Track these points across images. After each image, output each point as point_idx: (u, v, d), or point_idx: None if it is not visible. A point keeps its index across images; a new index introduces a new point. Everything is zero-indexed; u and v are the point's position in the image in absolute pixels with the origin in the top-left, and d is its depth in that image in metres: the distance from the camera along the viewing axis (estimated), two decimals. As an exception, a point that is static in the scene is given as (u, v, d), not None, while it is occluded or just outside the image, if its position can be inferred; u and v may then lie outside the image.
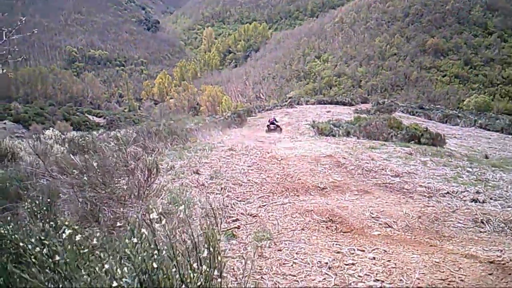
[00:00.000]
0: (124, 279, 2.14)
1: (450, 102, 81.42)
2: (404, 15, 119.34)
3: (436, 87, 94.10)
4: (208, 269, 2.42)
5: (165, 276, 2.22)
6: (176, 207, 6.04)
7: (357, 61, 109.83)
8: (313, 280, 4.08)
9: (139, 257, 2.20)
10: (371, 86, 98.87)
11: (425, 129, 17.93)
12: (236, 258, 4.57)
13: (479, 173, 10.21)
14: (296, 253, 4.81)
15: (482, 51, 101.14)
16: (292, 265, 4.47)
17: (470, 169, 10.71)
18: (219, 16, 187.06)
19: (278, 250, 4.92)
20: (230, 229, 5.66)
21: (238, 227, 5.78)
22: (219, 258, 2.67)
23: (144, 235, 2.34)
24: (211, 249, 2.56)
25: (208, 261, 2.50)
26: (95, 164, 5.34)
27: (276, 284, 3.99)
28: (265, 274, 4.21)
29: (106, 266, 2.17)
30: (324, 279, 4.10)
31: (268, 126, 21.42)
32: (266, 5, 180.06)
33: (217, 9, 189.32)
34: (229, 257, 4.55)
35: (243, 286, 3.64)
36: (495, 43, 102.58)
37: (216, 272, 2.54)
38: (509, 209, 6.94)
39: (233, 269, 4.22)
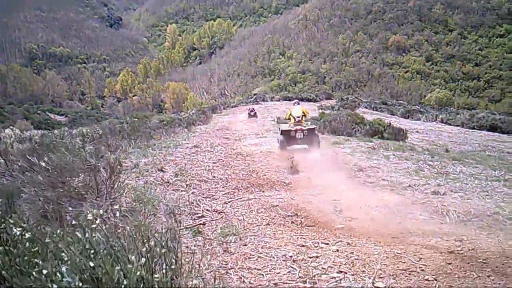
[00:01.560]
0: (65, 279, 2.12)
1: (412, 97, 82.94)
2: (366, 13, 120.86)
3: (399, 83, 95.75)
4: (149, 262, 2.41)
5: (104, 272, 2.20)
6: (141, 205, 5.99)
7: (321, 58, 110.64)
8: (278, 273, 4.11)
9: (77, 258, 2.20)
10: (335, 83, 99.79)
11: (388, 124, 18.22)
12: (202, 254, 4.57)
13: (440, 167, 10.47)
14: (261, 248, 4.84)
15: (443, 48, 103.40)
16: (257, 259, 4.49)
17: (432, 163, 10.97)
18: (183, 13, 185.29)
19: (243, 245, 4.94)
20: (196, 225, 5.64)
21: (204, 224, 5.76)
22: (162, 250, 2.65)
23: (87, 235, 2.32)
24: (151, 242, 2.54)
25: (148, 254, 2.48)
26: (54, 162, 5.25)
27: (241, 278, 4.00)
28: (231, 269, 4.22)
29: (44, 271, 2.15)
30: (289, 272, 4.13)
31: (249, 113, 27.92)
32: (231, 2, 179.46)
33: (181, 6, 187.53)
34: (194, 253, 4.54)
35: (209, 283, 3.63)
36: (456, 40, 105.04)
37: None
38: (468, 201, 7.15)
39: (199, 265, 4.21)
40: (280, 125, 14.14)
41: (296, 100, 14.92)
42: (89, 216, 2.46)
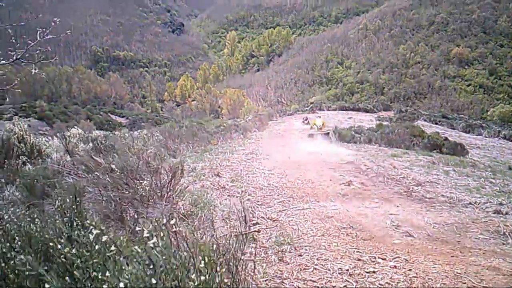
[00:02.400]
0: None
1: (474, 112, 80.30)
2: (429, 24, 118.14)
3: (460, 96, 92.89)
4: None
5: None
6: (198, 209, 6.08)
7: (380, 68, 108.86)
8: (333, 286, 4.08)
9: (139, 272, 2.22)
10: (393, 94, 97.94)
11: (446, 139, 17.75)
12: (257, 261, 4.59)
13: (502, 185, 10.09)
14: (317, 259, 4.80)
15: (507, 61, 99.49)
16: (312, 271, 4.46)
17: (493, 180, 10.59)
18: (243, 20, 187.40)
19: (298, 255, 4.92)
20: (250, 232, 5.67)
21: (258, 231, 5.79)
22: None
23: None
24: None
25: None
26: (119, 164, 5.41)
27: (296, 289, 4.00)
28: (286, 278, 4.21)
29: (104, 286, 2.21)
30: (345, 286, 4.09)
31: (303, 121, 27.84)
32: (291, 10, 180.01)
33: (241, 14, 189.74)
34: (250, 261, 4.57)
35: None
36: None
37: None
38: (532, 222, 6.84)
39: (254, 272, 4.24)
40: (310, 130, 20.03)
41: (319, 115, 22.05)
42: (150, 226, 2.49)
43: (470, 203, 7.99)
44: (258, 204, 7.24)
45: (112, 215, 4.66)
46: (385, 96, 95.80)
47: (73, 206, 3.19)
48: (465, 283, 4.21)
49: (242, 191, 7.96)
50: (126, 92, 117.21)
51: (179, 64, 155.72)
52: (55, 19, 4.54)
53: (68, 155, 7.63)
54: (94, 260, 2.35)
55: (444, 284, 4.17)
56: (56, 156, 8.08)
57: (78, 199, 3.35)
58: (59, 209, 3.36)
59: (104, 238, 2.45)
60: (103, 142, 11.08)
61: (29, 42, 4.32)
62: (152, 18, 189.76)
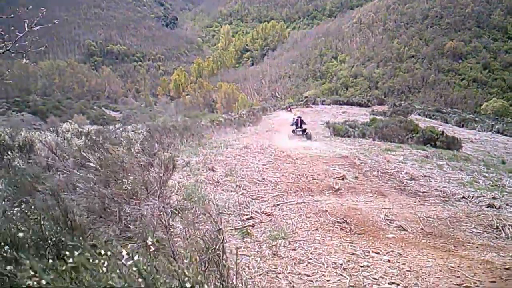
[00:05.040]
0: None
1: (467, 106, 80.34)
2: (423, 17, 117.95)
3: (454, 90, 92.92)
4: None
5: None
6: (192, 203, 6.07)
7: (374, 62, 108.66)
8: (328, 280, 4.08)
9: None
10: (388, 88, 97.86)
11: (441, 133, 17.78)
12: (251, 256, 4.58)
13: (495, 179, 10.13)
14: (311, 253, 4.80)
15: (501, 55, 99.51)
16: (307, 265, 4.46)
17: (487, 174, 10.63)
18: (237, 14, 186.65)
19: (292, 250, 4.92)
20: (245, 227, 5.66)
21: (253, 226, 5.78)
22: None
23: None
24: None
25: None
26: (108, 160, 5.38)
27: (291, 283, 3.99)
28: (280, 273, 4.21)
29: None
30: (339, 280, 4.09)
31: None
32: (285, 4, 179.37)
33: (235, 7, 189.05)
34: (244, 255, 4.56)
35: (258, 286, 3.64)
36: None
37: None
38: (526, 215, 6.87)
39: (248, 267, 4.23)
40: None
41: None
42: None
43: (464, 197, 8.01)
44: (252, 199, 7.23)
45: (102, 212, 4.63)
46: (379, 90, 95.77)
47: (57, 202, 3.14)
48: (458, 276, 4.22)
49: (236, 186, 7.94)
50: (119, 86, 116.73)
51: (173, 58, 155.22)
52: (42, 9, 4.53)
53: (60, 151, 7.58)
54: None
55: (437, 277, 4.18)
56: (47, 152, 8.02)
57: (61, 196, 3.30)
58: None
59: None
60: (95, 137, 11.03)
61: (18, 34, 4.32)
62: (146, 11, 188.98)
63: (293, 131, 17.99)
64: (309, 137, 17.39)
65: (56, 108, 60.71)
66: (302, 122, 18.34)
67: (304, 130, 17.91)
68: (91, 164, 5.67)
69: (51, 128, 13.83)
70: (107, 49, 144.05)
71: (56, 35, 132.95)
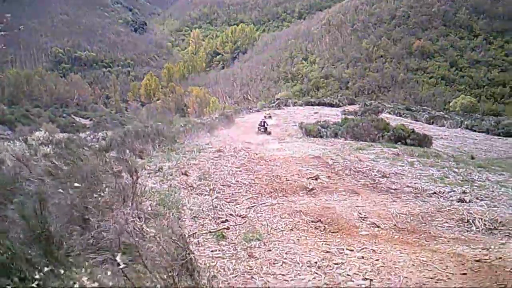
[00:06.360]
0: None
1: (436, 103, 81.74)
2: (390, 18, 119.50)
3: (423, 88, 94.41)
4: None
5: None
6: (165, 208, 6.04)
7: (344, 63, 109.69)
8: (303, 279, 4.11)
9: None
10: (358, 88, 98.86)
11: (411, 130, 18.05)
12: (226, 258, 4.58)
13: (465, 174, 10.33)
14: (286, 253, 4.83)
15: (468, 53, 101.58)
16: (282, 265, 4.49)
17: (457, 170, 10.83)
18: (207, 18, 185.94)
19: (268, 250, 4.94)
20: (220, 230, 5.66)
21: (228, 228, 5.78)
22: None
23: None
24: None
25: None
26: (80, 168, 5.32)
27: (266, 283, 4.01)
28: (256, 274, 4.22)
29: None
30: (314, 278, 4.13)
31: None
32: (254, 7, 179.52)
33: (204, 11, 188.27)
34: (219, 258, 4.56)
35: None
36: (481, 45, 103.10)
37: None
38: (495, 209, 7.03)
39: (223, 269, 4.23)
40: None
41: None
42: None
43: (435, 193, 8.15)
44: (226, 202, 7.22)
45: (76, 220, 4.57)
46: (349, 90, 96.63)
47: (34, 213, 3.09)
48: (430, 270, 4.30)
49: (210, 189, 7.91)
50: (89, 93, 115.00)
51: (143, 63, 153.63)
52: (7, 15, 4.45)
53: (25, 161, 7.43)
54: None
55: (410, 272, 4.26)
56: (15, 162, 7.87)
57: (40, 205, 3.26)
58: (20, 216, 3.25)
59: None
60: (65, 145, 10.87)
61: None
62: (114, 17, 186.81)
63: (258, 129, 22.92)
64: (268, 134, 22.05)
65: (25, 117, 59.39)
66: (265, 123, 23.41)
67: (266, 129, 22.76)
68: (62, 173, 5.60)
69: (20, 138, 13.57)
70: (75, 56, 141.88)
71: (23, 43, 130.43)
